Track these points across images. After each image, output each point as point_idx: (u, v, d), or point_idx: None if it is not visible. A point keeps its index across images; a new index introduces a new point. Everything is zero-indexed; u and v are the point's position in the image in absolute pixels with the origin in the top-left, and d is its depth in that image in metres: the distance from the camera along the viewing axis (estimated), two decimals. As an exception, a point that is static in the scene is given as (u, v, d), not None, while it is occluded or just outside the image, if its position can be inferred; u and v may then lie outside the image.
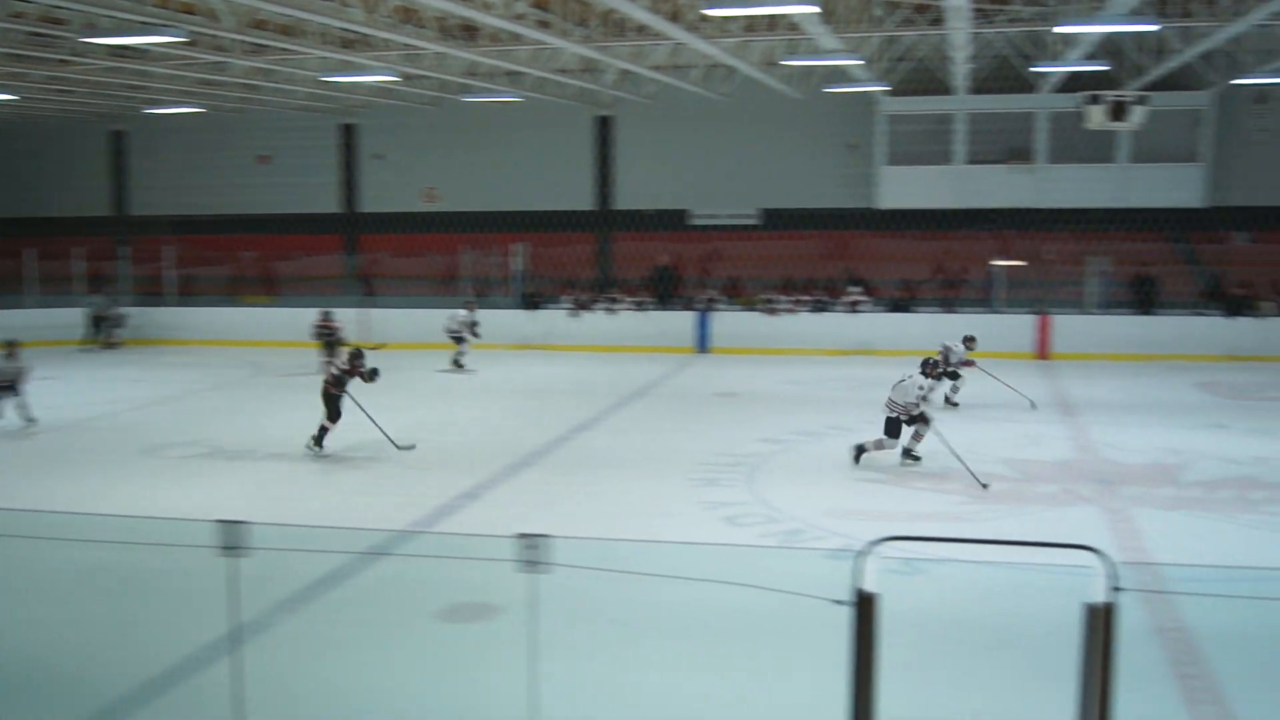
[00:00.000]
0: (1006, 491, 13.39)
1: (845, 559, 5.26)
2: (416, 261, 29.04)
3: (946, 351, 18.23)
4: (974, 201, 27.22)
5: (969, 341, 18.80)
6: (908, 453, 14.61)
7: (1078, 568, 4.95)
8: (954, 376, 18.62)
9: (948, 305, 25.44)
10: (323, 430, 15.21)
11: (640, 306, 25.89)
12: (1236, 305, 24.05)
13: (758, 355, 24.21)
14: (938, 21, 18.33)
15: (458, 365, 22.63)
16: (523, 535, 6.06)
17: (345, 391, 15.25)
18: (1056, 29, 16.73)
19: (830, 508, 12.66)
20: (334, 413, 15.19)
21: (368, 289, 28.36)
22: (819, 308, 25.50)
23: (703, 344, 25.08)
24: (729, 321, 25.32)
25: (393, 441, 15.21)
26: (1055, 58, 20.57)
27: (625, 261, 28.95)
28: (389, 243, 30.77)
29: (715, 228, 29.26)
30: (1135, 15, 15.46)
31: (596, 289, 27.47)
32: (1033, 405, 18.27)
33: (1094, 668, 4.73)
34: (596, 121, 30.08)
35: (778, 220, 28.74)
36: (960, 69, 22.32)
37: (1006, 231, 26.99)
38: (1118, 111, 18.59)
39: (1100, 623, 4.68)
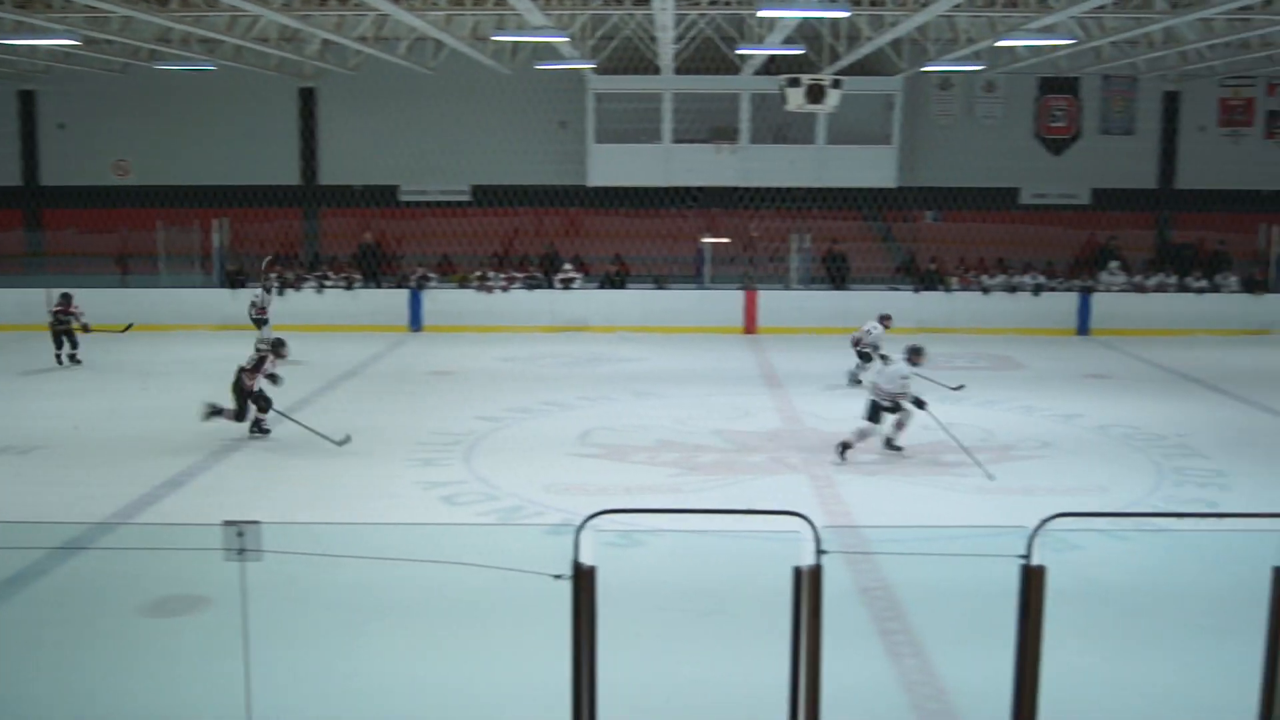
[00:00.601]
0: (718, 462, 13.80)
1: (565, 534, 5.29)
2: (108, 239, 27.42)
3: (864, 333, 18.60)
4: (682, 180, 27.88)
5: (885, 320, 18.89)
6: (889, 442, 14.30)
7: (786, 533, 5.13)
8: (866, 358, 18.61)
9: (659, 282, 25.98)
10: (256, 421, 14.84)
11: (349, 284, 25.31)
12: (927, 280, 25.58)
13: (472, 333, 24.09)
14: (643, 1, 18.64)
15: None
16: (229, 523, 5.81)
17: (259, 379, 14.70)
18: (758, 13, 17.26)
19: (549, 483, 12.74)
20: (263, 403, 14.69)
21: (122, 268, 26.57)
22: (532, 285, 25.59)
23: (416, 322, 24.76)
24: (442, 299, 25.08)
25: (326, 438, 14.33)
26: (757, 41, 21.25)
27: (333, 238, 28.21)
28: (77, 218, 28.91)
29: (426, 204, 28.87)
30: (830, 2, 16.13)
31: (304, 266, 26.67)
32: (958, 388, 17.73)
33: (804, 629, 4.93)
34: (300, 93, 29.15)
35: (489, 197, 28.62)
36: (666, 49, 22.78)
37: (714, 209, 27.79)
38: (815, 94, 19.41)
39: (808, 585, 4.88)
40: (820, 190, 27.53)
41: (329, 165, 29.42)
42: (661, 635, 8.59)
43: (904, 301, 24.97)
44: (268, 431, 14.90)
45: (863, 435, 14.02)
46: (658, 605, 9.11)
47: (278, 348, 15.31)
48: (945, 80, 28.36)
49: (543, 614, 5.82)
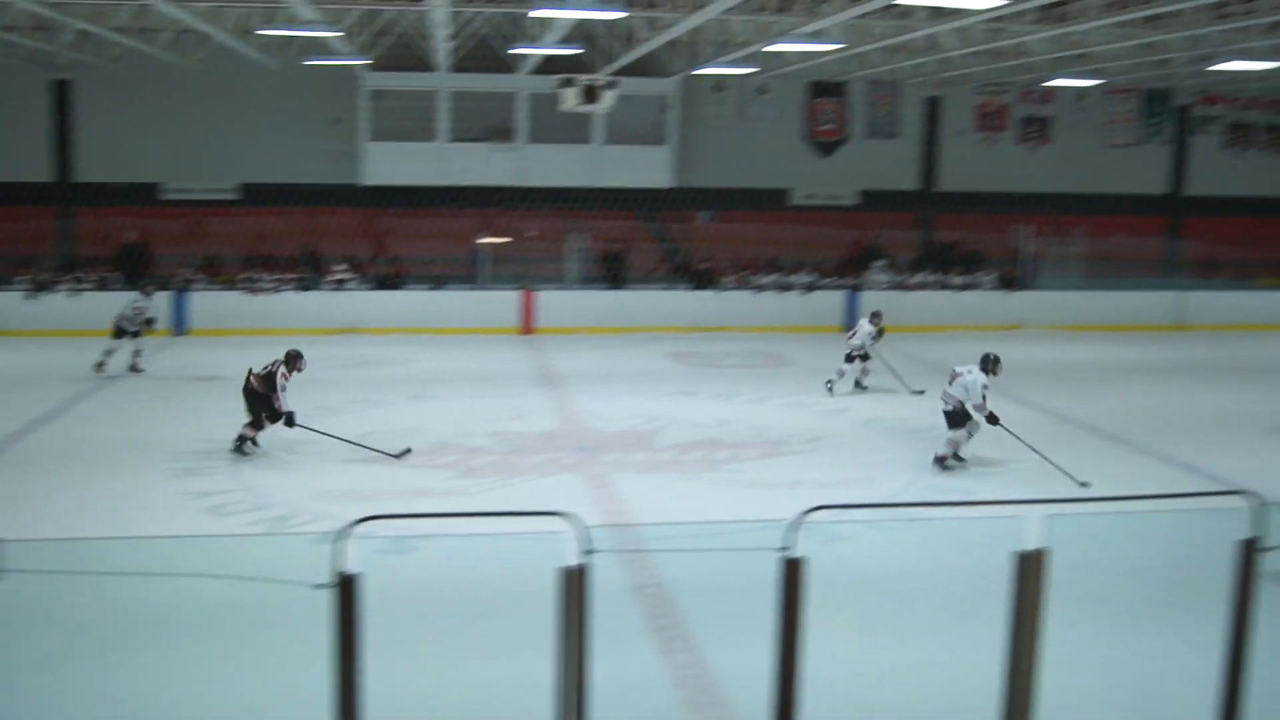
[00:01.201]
0: (495, 464, 13.74)
1: (333, 542, 5.18)
2: None
3: (852, 333, 18.64)
4: (458, 179, 27.68)
5: (875, 318, 18.75)
6: (940, 458, 13.99)
7: (557, 534, 5.14)
8: (864, 358, 18.58)
9: (436, 283, 25.71)
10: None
11: (107, 287, 24.17)
12: (701, 280, 26.08)
13: (241, 336, 23.32)
14: (418, -3, 18.42)
15: (135, 369, 19.63)
16: (-37, 541, 5.47)
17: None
18: (532, 12, 17.27)
19: (320, 490, 12.46)
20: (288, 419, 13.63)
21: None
22: (304, 286, 24.97)
23: (180, 325, 23.84)
24: (208, 301, 24.23)
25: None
26: (533, 40, 21.26)
27: (90, 238, 26.92)
28: None
29: (190, 202, 27.84)
30: (605, 2, 16.26)
31: (58, 268, 25.34)
32: (918, 393, 18.20)
33: (571, 628, 4.95)
34: (52, 85, 27.69)
35: (258, 195, 27.80)
36: (442, 47, 22.57)
37: (491, 209, 27.68)
38: (589, 95, 19.57)
39: (574, 584, 4.90)
40: (597, 190, 27.75)
41: (87, 162, 28.02)
42: (433, 641, 8.51)
43: (679, 301, 25.41)
44: (257, 445, 14.04)
45: (955, 445, 13.87)
46: (429, 611, 9.01)
47: (294, 361, 14.03)
48: (719, 83, 28.95)
49: (312, 625, 5.69)
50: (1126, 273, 28.22)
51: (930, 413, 16.86)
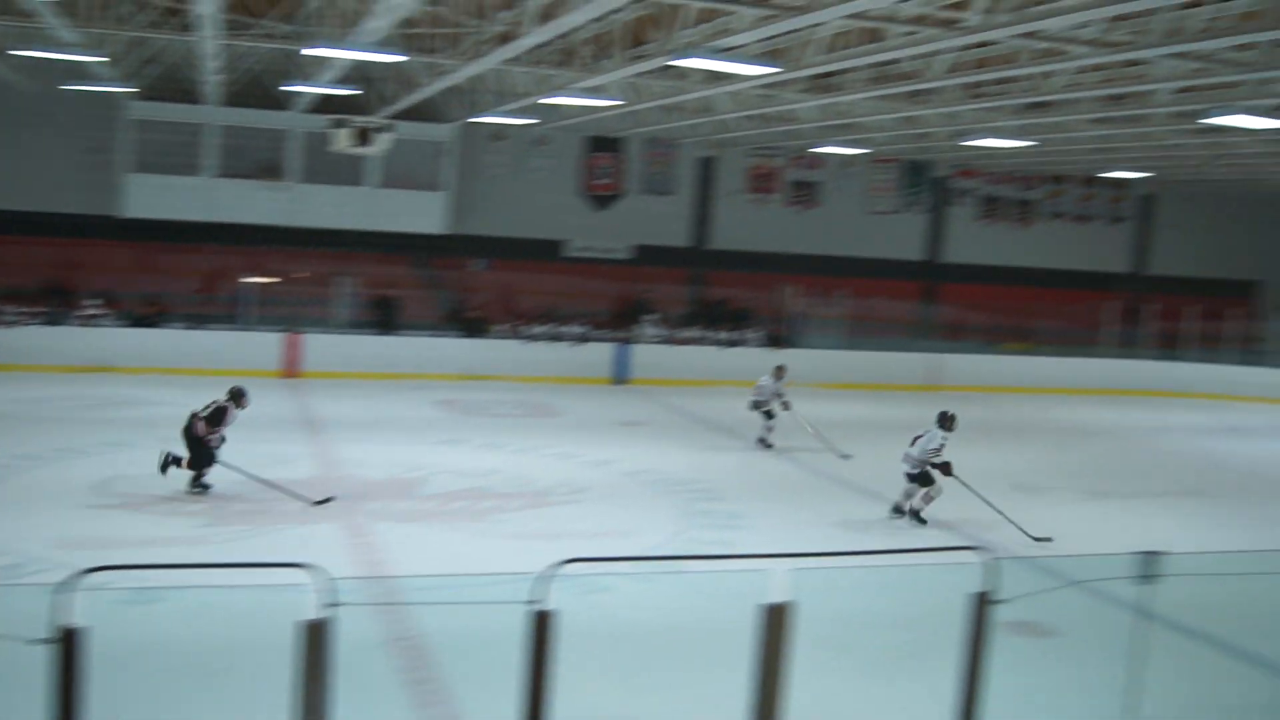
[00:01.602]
0: (249, 511, 13.26)
1: (66, 593, 4.87)
2: None
3: (758, 389, 18.68)
4: (225, 215, 26.85)
5: (779, 372, 18.88)
6: (915, 514, 14.44)
7: (302, 586, 4.97)
8: (770, 415, 18.67)
9: (197, 322, 24.78)
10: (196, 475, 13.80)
11: None
12: (472, 327, 25.92)
13: (-21, 371, 21.98)
14: (188, 28, 17.85)
15: None
16: None
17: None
18: (307, 50, 16.96)
19: (59, 538, 11.76)
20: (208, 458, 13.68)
21: None
22: (51, 320, 23.69)
23: (-88, 359, 22.27)
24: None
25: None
26: (308, 78, 20.87)
27: None
28: None
29: (-71, 229, 26.19)
30: (384, 45, 16.09)
31: None
32: (845, 457, 18.38)
33: (311, 684, 4.78)
34: None
35: (6, 224, 26.34)
36: (211, 79, 21.92)
37: (258, 248, 26.91)
38: (363, 136, 19.29)
39: (314, 639, 4.74)
40: (370, 234, 27.34)
41: None
42: (167, 699, 8.10)
43: (450, 349, 25.18)
44: (207, 487, 13.82)
45: (928, 499, 14.36)
46: (165, 666, 8.58)
47: (239, 398, 14.02)
48: (498, 131, 29.00)
49: (35, 684, 5.33)
50: (885, 334, 29.42)
51: (696, 466, 17.19)
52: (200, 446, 13.82)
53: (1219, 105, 16.55)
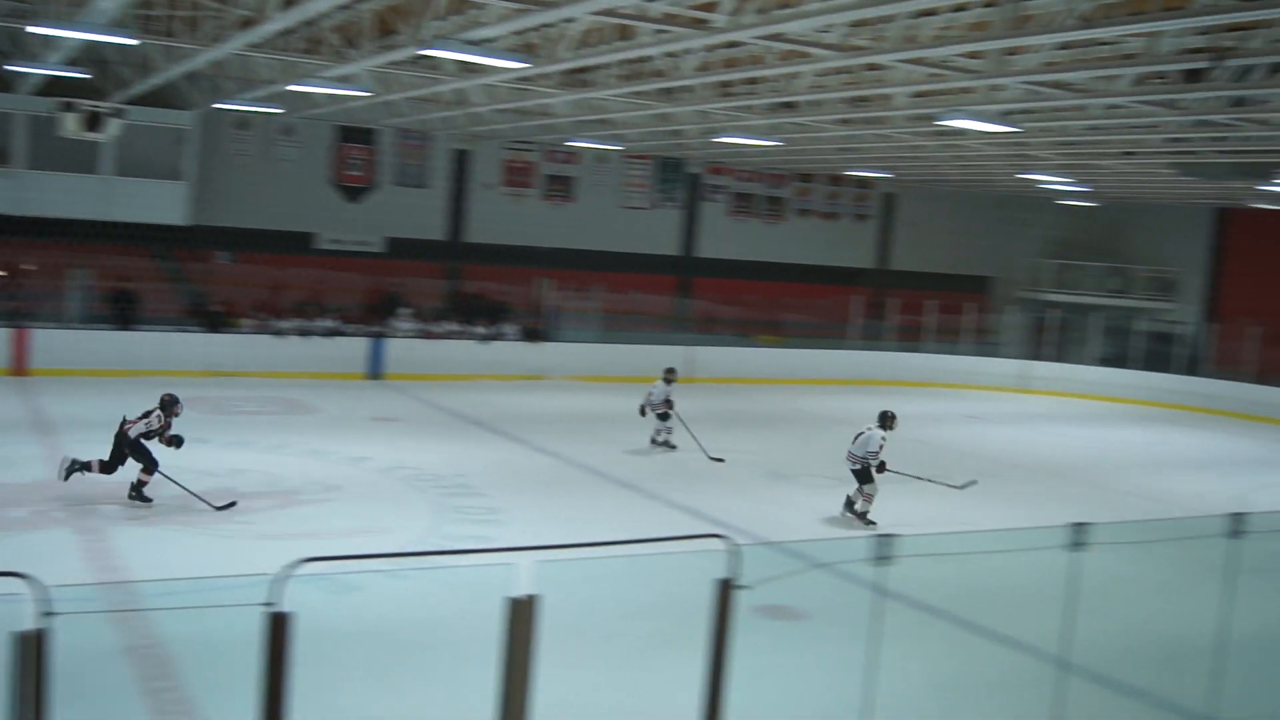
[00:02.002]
0: (-29, 519, 12.44)
1: None
2: None
3: (648, 395, 18.88)
4: (-58, 204, 25.11)
5: (669, 375, 19.09)
6: (861, 516, 14.68)
7: (14, 596, 4.67)
8: (665, 417, 19.00)
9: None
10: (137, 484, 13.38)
11: None
12: (217, 322, 25.00)
13: None
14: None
15: None
16: None
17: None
18: (32, 29, 15.99)
19: None
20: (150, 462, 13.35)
21: None
22: None
23: None
24: None
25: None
26: (34, 59, 19.70)
27: None
28: None
29: None
30: (117, 26, 15.32)
31: None
32: (718, 460, 18.45)
33: (26, 699, 4.50)
34: None
35: None
36: (-75, 56, 20.46)
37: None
38: (93, 122, 18.31)
39: (30, 651, 4.46)
40: (104, 224, 26.02)
41: None
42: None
43: (194, 344, 24.23)
44: (149, 500, 13.39)
45: (868, 497, 14.71)
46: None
47: (172, 406, 13.69)
48: (243, 119, 28.04)
49: None
50: (641, 327, 29.83)
51: (453, 461, 17.04)
52: (124, 452, 13.47)
53: (952, 109, 17.41)
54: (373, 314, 27.59)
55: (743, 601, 8.64)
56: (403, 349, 26.02)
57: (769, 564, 6.14)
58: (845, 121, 21.25)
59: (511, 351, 27.30)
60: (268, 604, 4.88)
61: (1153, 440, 22.69)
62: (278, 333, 25.12)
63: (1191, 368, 32.12)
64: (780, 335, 32.80)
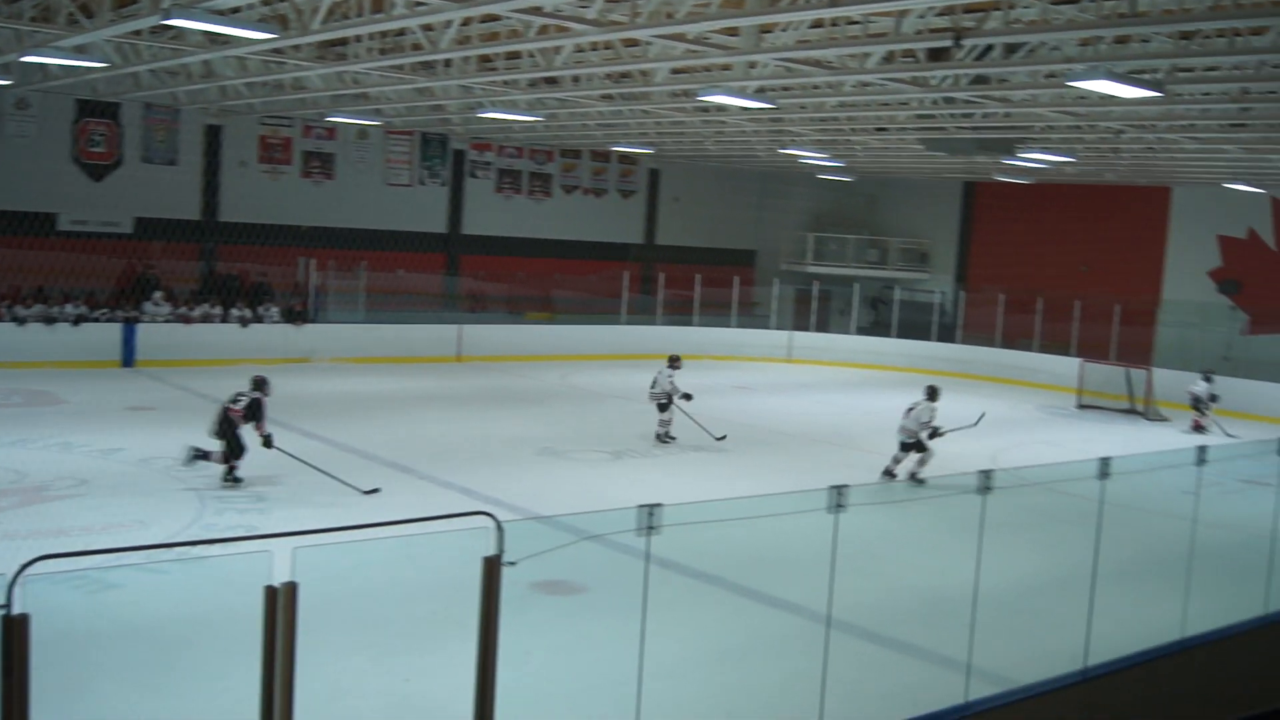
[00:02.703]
0: None
1: None
2: None
3: (654, 383, 19.43)
4: None
5: (674, 363, 19.57)
6: (913, 476, 16.25)
7: None
8: (662, 408, 19.26)
9: None
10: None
11: None
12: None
13: None
14: None
15: None
16: None
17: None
18: None
19: None
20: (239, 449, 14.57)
21: None
22: None
23: None
24: None
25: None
26: None
27: None
28: None
29: None
30: None
31: None
32: (720, 438, 19.23)
33: None
34: None
35: None
36: None
37: None
38: None
39: None
40: None
41: None
42: None
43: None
44: (240, 480, 14.54)
45: (922, 462, 16.49)
46: None
47: (263, 386, 14.94)
48: (21, 99, 26.28)
49: None
50: (409, 306, 29.44)
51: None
52: (235, 437, 14.58)
53: (711, 85, 17.71)
54: (123, 298, 26.36)
55: (520, 578, 8.66)
56: (157, 334, 24.98)
57: (540, 539, 6.17)
58: (607, 97, 21.37)
59: (273, 334, 26.54)
60: (2, 607, 4.60)
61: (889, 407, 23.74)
62: (19, 320, 23.73)
63: (946, 334, 33.73)
64: (551, 312, 32.92)
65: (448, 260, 33.09)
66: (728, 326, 33.59)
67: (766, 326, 34.37)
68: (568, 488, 15.48)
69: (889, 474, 16.62)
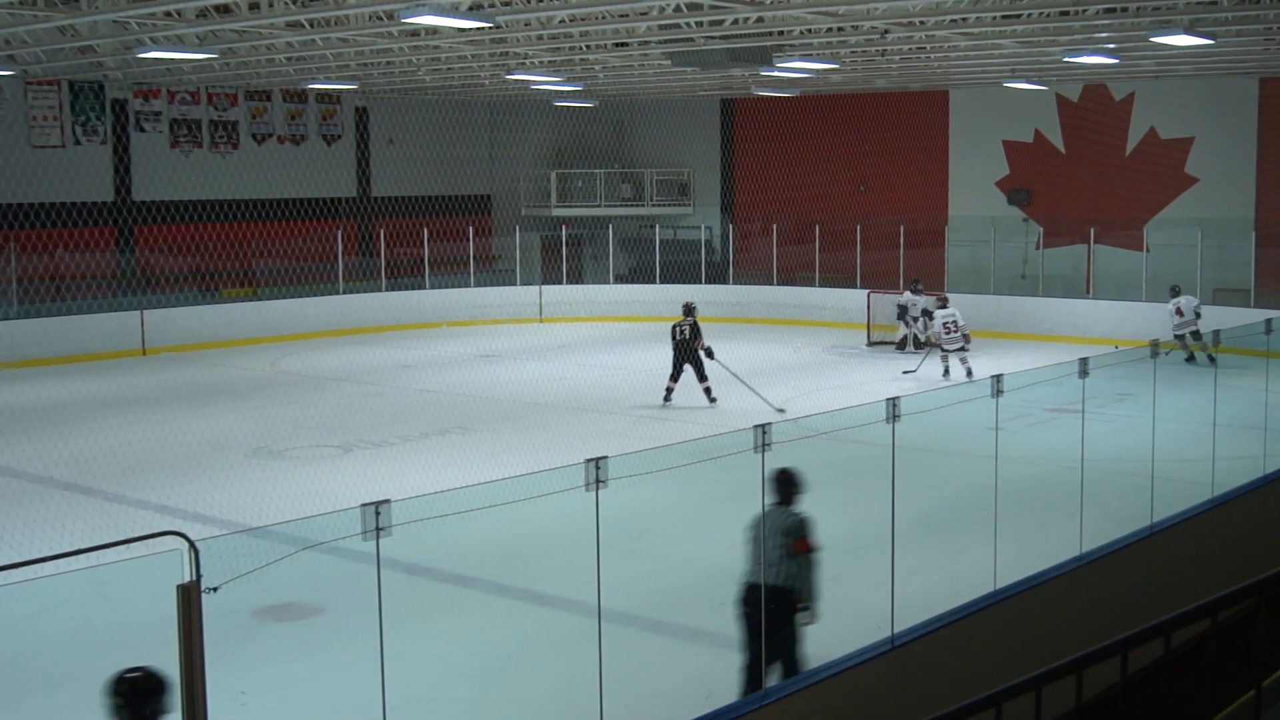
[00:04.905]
0: None
1: None
2: None
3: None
4: None
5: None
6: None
7: None
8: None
9: None
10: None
11: None
12: None
13: None
14: None
15: None
16: None
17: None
18: None
19: None
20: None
21: None
22: None
23: None
24: None
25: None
26: None
27: None
28: None
29: None
30: None
31: None
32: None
33: None
34: None
35: None
36: None
37: None
38: None
39: None
40: None
41: None
42: None
43: None
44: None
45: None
46: None
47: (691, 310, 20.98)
48: None
49: None
50: (75, 294, 28.32)
51: None
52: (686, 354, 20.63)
53: (416, 5, 17.50)
54: None
55: (239, 605, 8.49)
56: None
57: (251, 556, 6.03)
58: (295, 25, 20.90)
59: None
60: None
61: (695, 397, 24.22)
62: None
63: (716, 275, 34.44)
64: (252, 286, 32.13)
65: (118, 234, 31.85)
66: (466, 286, 33.54)
67: (511, 283, 34.43)
68: (289, 492, 15.20)
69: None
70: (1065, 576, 10.30)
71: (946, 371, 23.89)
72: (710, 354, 21.05)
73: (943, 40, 22.20)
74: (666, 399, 21.34)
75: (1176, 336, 23.92)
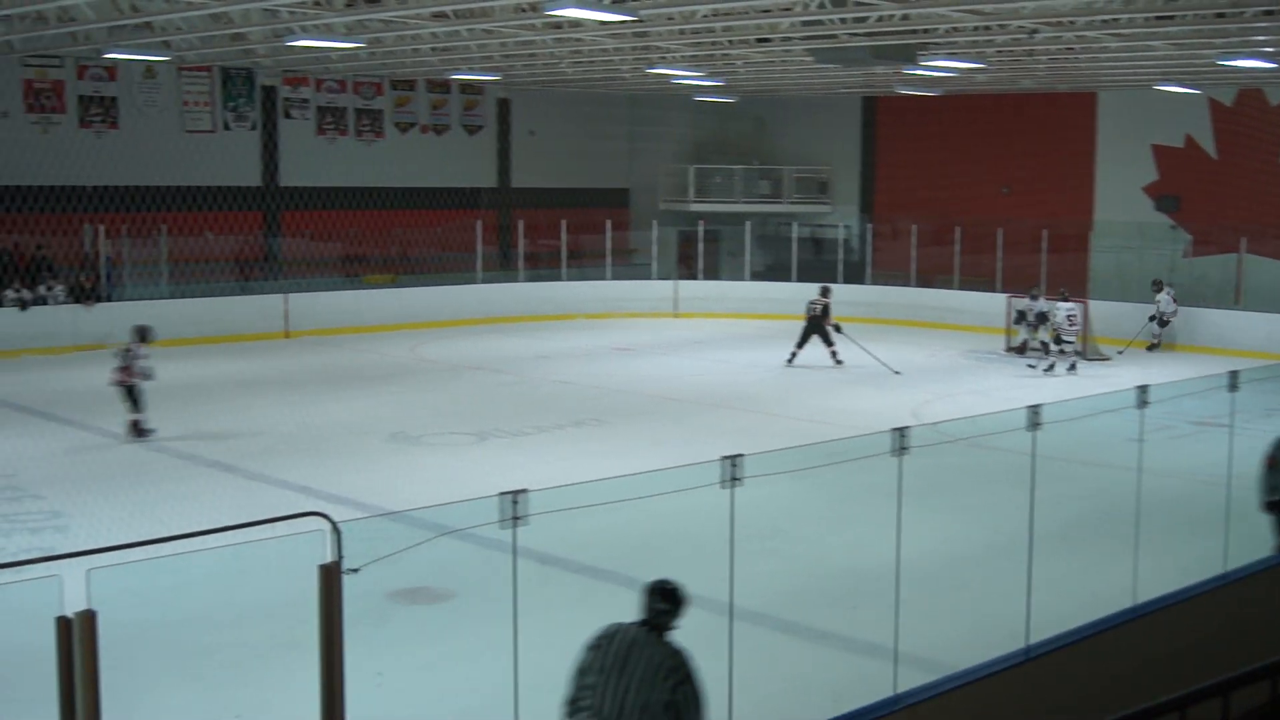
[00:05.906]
0: None
1: None
2: None
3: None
4: None
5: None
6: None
7: None
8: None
9: None
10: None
11: None
12: None
13: None
14: None
15: None
16: None
17: None
18: None
19: None
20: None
21: None
22: None
23: None
24: None
25: None
26: None
27: None
28: None
29: None
30: None
31: None
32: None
33: None
34: None
35: None
36: None
37: None
38: None
39: None
40: None
41: None
42: None
43: None
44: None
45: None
46: None
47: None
48: None
49: None
50: (222, 276, 28.95)
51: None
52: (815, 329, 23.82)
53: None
54: None
55: (374, 588, 8.61)
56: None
57: (389, 540, 6.14)
58: (440, 16, 21.13)
59: (60, 317, 25.91)
60: None
61: (819, 357, 24.03)
62: None
63: (853, 274, 34.15)
64: (393, 273, 32.59)
65: (265, 219, 32.52)
66: (602, 279, 33.63)
67: (647, 277, 34.49)
68: (425, 478, 15.41)
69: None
70: (1209, 595, 10.03)
71: (1073, 366, 24.89)
72: (839, 329, 24.21)
73: (1092, 41, 21.77)
74: (790, 361, 24.37)
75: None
